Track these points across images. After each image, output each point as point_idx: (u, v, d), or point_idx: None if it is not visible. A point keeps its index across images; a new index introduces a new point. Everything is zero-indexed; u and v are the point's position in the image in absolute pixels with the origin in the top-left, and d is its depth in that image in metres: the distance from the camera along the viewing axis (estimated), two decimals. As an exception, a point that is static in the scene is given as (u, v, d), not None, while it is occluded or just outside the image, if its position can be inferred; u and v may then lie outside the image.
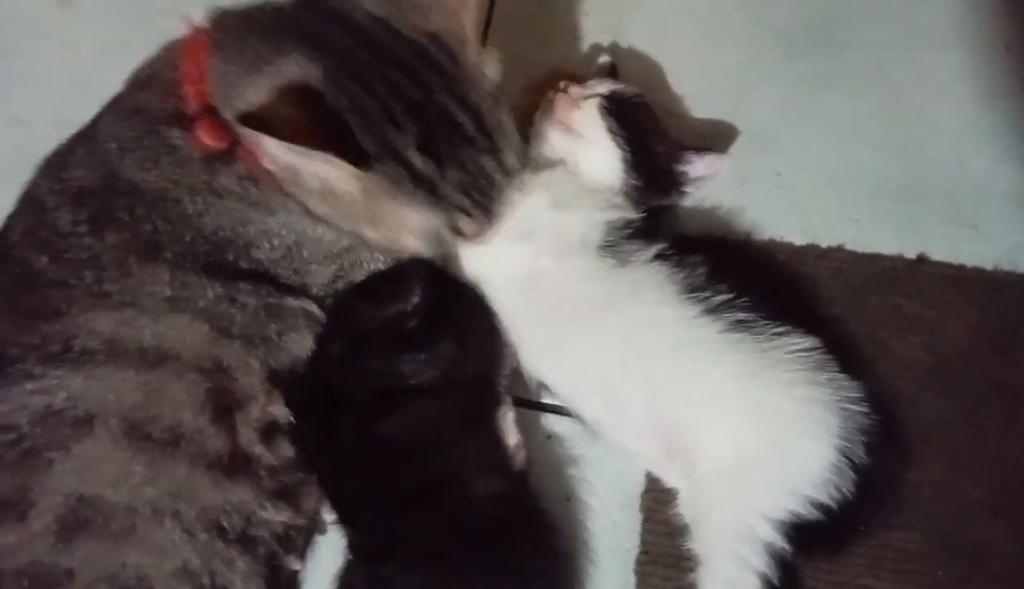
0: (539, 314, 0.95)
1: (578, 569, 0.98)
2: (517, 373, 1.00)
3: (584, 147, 0.99)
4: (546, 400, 1.03)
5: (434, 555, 0.89)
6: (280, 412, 0.93)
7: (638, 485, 1.01)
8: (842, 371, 0.91)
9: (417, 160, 0.85)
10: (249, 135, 0.84)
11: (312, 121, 0.81)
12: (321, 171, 0.84)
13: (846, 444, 0.87)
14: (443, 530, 0.90)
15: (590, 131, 0.99)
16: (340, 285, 0.97)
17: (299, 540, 0.97)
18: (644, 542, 0.99)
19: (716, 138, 1.13)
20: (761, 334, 0.90)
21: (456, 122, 0.86)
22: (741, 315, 0.90)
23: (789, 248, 1.09)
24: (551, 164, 0.99)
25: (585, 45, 1.21)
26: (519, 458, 0.97)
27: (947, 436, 1.00)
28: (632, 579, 0.98)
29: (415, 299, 0.91)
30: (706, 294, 0.91)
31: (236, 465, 0.90)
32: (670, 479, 0.96)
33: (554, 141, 1.00)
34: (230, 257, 0.91)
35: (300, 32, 0.86)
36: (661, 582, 0.97)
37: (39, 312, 0.88)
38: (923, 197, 1.11)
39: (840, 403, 0.89)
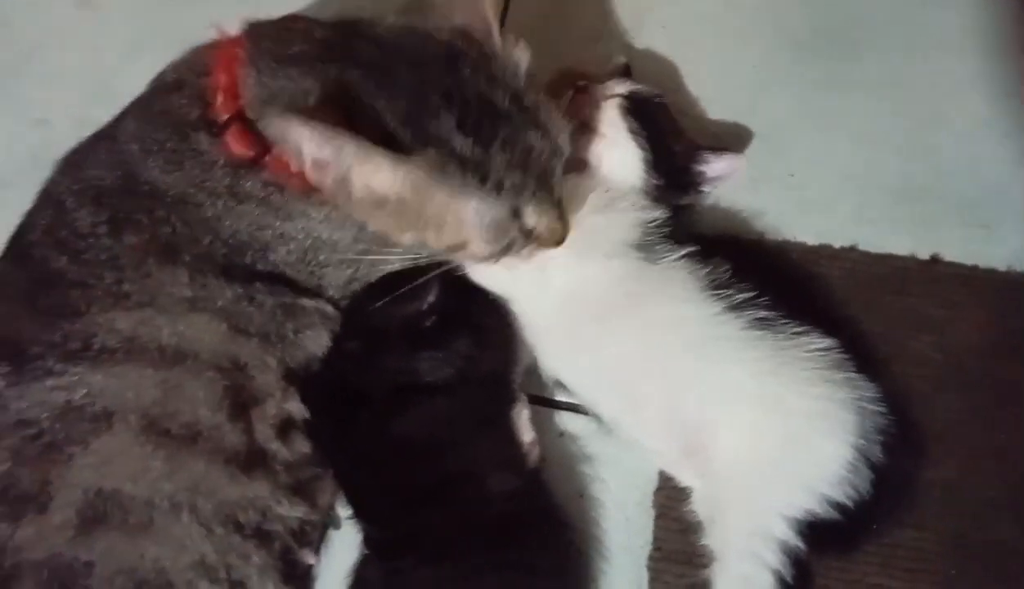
0: (563, 315, 0.95)
1: (591, 566, 0.98)
2: (532, 370, 1.00)
3: (605, 147, 1.00)
4: (560, 397, 1.03)
5: (448, 551, 0.90)
6: (296, 409, 0.94)
7: (651, 482, 1.01)
8: (856, 371, 0.91)
9: (458, 141, 0.83)
10: (294, 134, 0.82)
11: (351, 125, 0.80)
12: (366, 171, 0.83)
13: (863, 443, 0.87)
14: (457, 526, 0.91)
15: (611, 131, 1.00)
16: (355, 286, 0.97)
17: (314, 535, 0.98)
18: (657, 539, 0.99)
19: (731, 139, 1.13)
20: (781, 333, 0.90)
21: (493, 103, 0.85)
22: (762, 313, 0.91)
23: (803, 248, 1.09)
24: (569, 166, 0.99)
25: (600, 47, 1.21)
26: (533, 455, 0.98)
27: (960, 436, 1.00)
28: (645, 576, 0.98)
29: (431, 298, 0.92)
30: (729, 292, 0.92)
31: (253, 461, 0.91)
32: (684, 477, 0.97)
33: (575, 141, 1.00)
34: (247, 260, 0.92)
35: (332, 45, 0.87)
36: (674, 579, 0.97)
37: (59, 311, 0.88)
38: (936, 198, 1.12)
39: (857, 402, 0.89)
